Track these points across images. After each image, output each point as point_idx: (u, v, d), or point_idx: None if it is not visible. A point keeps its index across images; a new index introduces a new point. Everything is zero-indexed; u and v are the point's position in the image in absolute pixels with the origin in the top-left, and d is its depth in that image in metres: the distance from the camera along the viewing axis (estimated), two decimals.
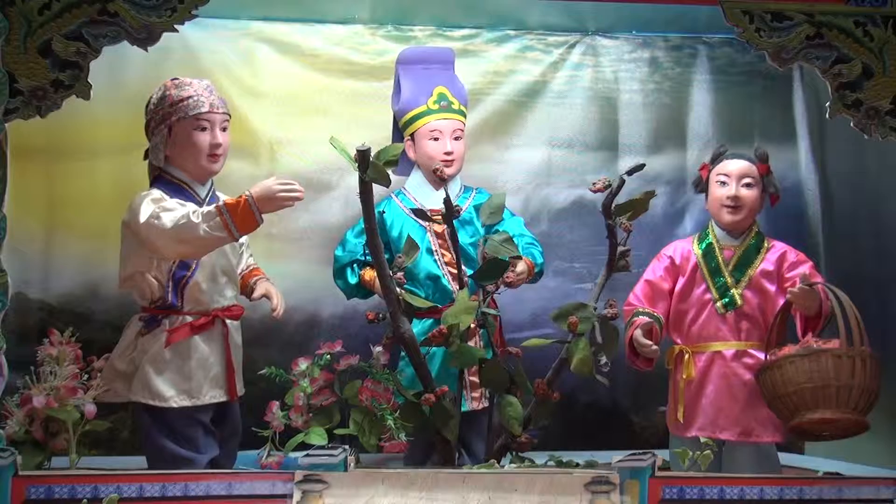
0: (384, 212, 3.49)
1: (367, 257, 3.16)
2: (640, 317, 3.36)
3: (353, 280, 3.47)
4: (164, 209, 2.90)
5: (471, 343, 3.27)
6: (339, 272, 3.51)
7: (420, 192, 3.54)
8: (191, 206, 2.93)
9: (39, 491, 2.63)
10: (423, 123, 3.50)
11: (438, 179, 3.17)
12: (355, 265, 3.47)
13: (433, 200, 3.43)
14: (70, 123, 3.62)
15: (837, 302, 2.95)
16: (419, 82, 3.55)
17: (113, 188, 3.71)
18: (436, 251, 3.49)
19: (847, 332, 2.91)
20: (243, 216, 2.85)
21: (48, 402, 2.84)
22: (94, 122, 3.73)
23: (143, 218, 2.91)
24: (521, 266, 3.36)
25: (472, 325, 3.17)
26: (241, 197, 2.87)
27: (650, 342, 3.28)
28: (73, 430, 2.86)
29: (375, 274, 3.14)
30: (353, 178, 3.03)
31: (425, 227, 3.49)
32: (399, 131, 3.60)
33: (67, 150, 3.78)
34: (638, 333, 3.30)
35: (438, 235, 3.48)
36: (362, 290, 3.48)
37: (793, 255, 3.44)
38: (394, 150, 3.01)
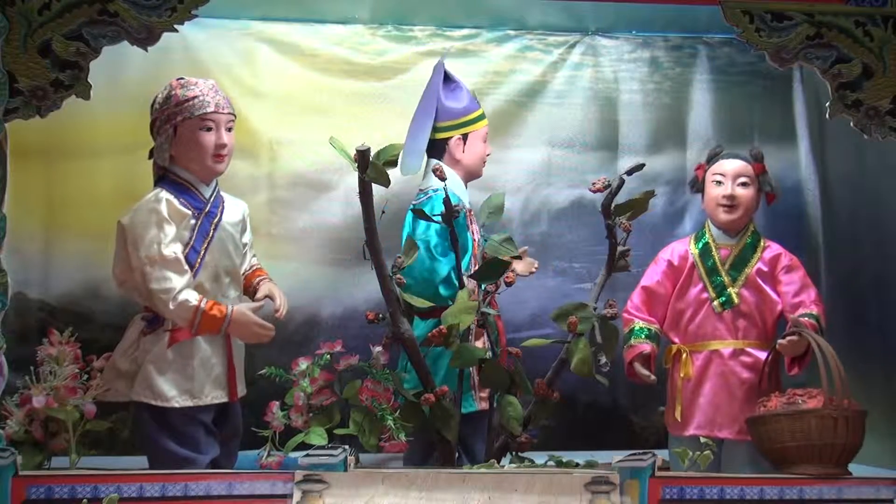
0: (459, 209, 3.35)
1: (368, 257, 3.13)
2: (640, 343, 3.38)
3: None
4: (163, 261, 2.96)
5: (478, 343, 3.27)
6: (447, 281, 3.31)
7: (458, 190, 3.48)
8: (180, 282, 2.97)
9: (39, 491, 2.63)
10: (483, 125, 3.52)
11: (440, 179, 3.17)
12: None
13: (465, 199, 3.44)
14: (70, 123, 3.61)
15: (821, 355, 2.96)
16: (466, 89, 3.57)
17: (113, 188, 3.71)
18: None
19: (829, 384, 2.93)
20: (210, 324, 2.98)
21: (48, 402, 2.84)
22: (93, 123, 3.72)
23: (141, 252, 2.97)
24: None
25: (477, 327, 3.17)
26: (223, 311, 2.98)
27: (648, 372, 3.36)
28: (73, 430, 2.86)
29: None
30: (352, 179, 3.03)
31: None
32: (430, 129, 3.45)
33: (67, 151, 3.77)
34: (638, 366, 3.36)
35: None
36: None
37: (786, 258, 3.45)
38: (393, 150, 3.01)
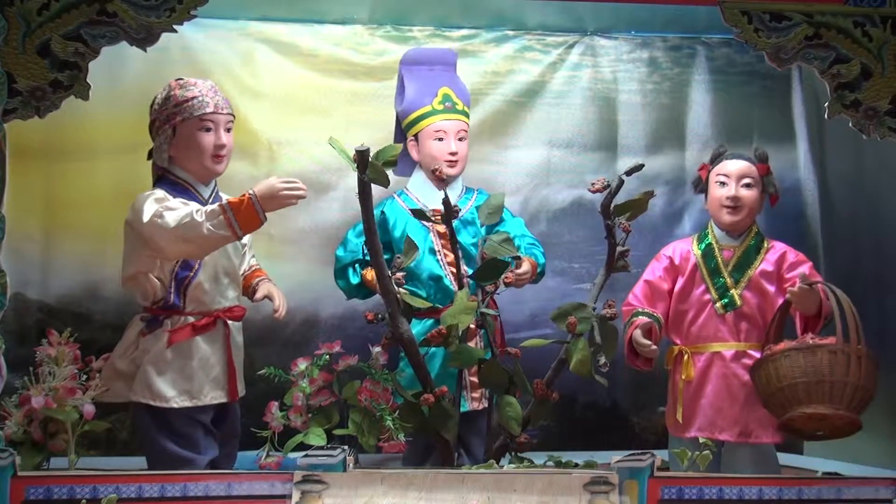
0: (384, 212, 3.49)
1: (368, 257, 3.16)
2: (640, 317, 3.36)
3: (354, 280, 3.47)
4: (167, 209, 2.90)
5: (471, 343, 3.28)
6: (340, 272, 3.50)
7: (422, 192, 3.54)
8: (194, 206, 2.93)
9: (38, 491, 2.63)
10: (428, 124, 3.51)
11: (439, 179, 3.17)
12: (357, 265, 3.47)
13: (435, 200, 3.41)
14: (69, 124, 3.62)
15: (836, 300, 2.94)
16: (423, 83, 3.55)
17: (112, 188, 3.71)
18: (438, 251, 3.49)
19: (844, 330, 2.90)
20: (247, 214, 2.86)
21: (47, 403, 2.83)
22: (93, 123, 3.73)
23: (146, 217, 2.91)
24: (525, 266, 3.37)
25: (472, 326, 3.17)
26: (244, 195, 2.88)
27: (649, 342, 3.29)
28: (72, 431, 2.85)
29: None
30: (352, 179, 3.03)
31: (428, 227, 3.49)
32: (402, 132, 3.60)
33: (66, 151, 3.77)
34: (637, 333, 3.30)
35: (441, 235, 3.48)
36: (363, 290, 3.48)
37: (792, 255, 3.44)
38: (392, 151, 3.01)
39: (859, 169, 3.85)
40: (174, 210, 2.90)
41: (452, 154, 3.49)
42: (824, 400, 2.83)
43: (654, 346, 3.29)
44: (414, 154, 3.53)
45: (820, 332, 3.14)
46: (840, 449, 3.42)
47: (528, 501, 2.70)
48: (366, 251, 3.12)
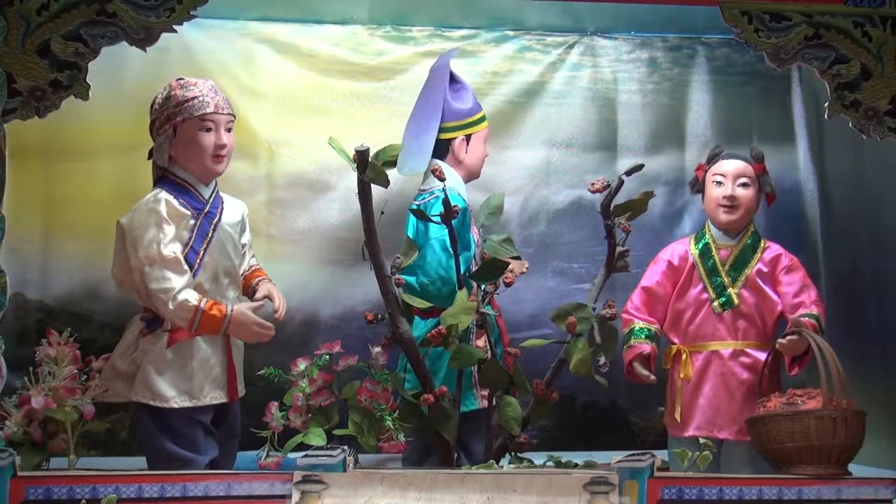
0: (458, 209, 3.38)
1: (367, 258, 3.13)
2: (640, 343, 3.37)
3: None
4: (162, 260, 2.95)
5: (479, 343, 3.27)
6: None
7: (460, 190, 3.48)
8: (179, 281, 2.96)
9: (38, 492, 2.62)
10: (485, 126, 3.55)
11: (440, 179, 3.17)
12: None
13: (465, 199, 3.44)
14: (68, 124, 3.62)
15: (821, 355, 2.96)
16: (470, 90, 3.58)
17: (112, 188, 3.71)
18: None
19: (829, 386, 2.92)
20: (210, 324, 2.98)
21: (47, 403, 2.83)
22: (92, 123, 3.72)
23: (140, 252, 2.97)
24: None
25: (476, 327, 3.17)
26: (223, 310, 2.98)
27: (648, 373, 3.35)
28: (72, 431, 2.85)
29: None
30: (352, 179, 3.03)
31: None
32: (439, 127, 3.45)
33: (66, 151, 3.77)
34: (637, 366, 3.36)
35: None
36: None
37: (787, 259, 3.45)
38: (392, 151, 3.01)
39: (859, 169, 3.85)
40: (164, 271, 2.95)
41: (486, 156, 3.59)
42: (813, 461, 2.88)
43: (653, 378, 3.36)
44: (460, 153, 3.49)
45: (806, 369, 3.22)
46: None
47: (527, 501, 2.70)
48: (364, 252, 3.08)
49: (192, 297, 2.97)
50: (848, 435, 2.88)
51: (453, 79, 3.54)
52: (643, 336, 3.40)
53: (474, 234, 3.45)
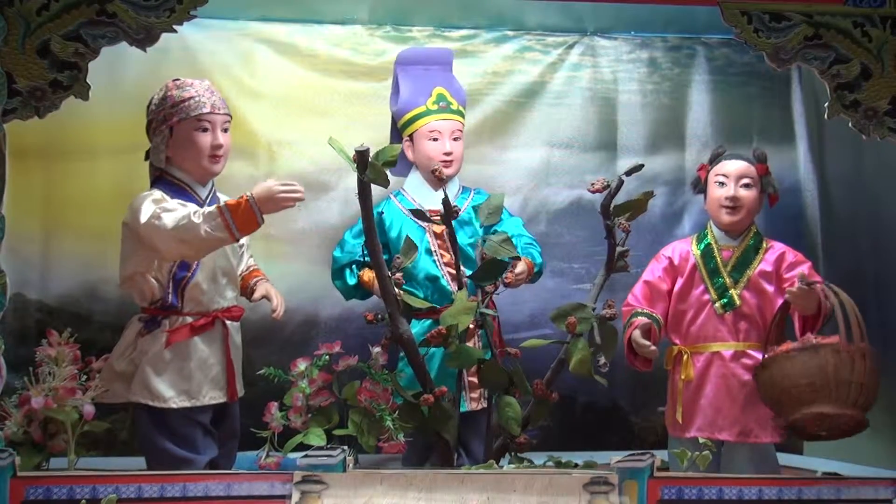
0: (383, 212, 3.49)
1: (366, 258, 3.16)
2: (639, 317, 3.36)
3: (351, 281, 3.47)
4: (165, 210, 2.91)
5: (469, 343, 3.27)
6: (337, 273, 3.51)
7: (419, 192, 3.54)
8: (192, 207, 2.93)
9: (38, 492, 2.62)
10: (423, 124, 3.51)
11: (437, 180, 3.17)
12: (354, 266, 3.47)
13: (432, 201, 3.43)
14: (68, 124, 3.61)
15: (837, 299, 2.94)
16: (418, 83, 3.56)
17: (112, 189, 3.71)
18: (435, 251, 3.50)
19: (847, 329, 2.90)
20: (244, 216, 2.85)
21: (47, 403, 2.83)
22: (92, 123, 3.72)
23: (143, 218, 2.91)
24: (520, 266, 3.38)
25: (472, 326, 3.17)
26: (242, 197, 2.88)
27: (648, 343, 3.28)
28: (72, 431, 2.85)
29: (374, 275, 3.15)
30: (351, 179, 3.03)
31: (424, 228, 3.50)
32: (398, 132, 3.60)
33: (66, 151, 3.77)
34: (636, 334, 3.30)
35: (437, 236, 3.48)
36: (361, 290, 3.48)
37: (791, 255, 3.44)
38: (392, 151, 3.01)
39: (859, 169, 3.85)
40: (172, 211, 2.90)
41: (447, 154, 3.49)
42: (829, 400, 2.82)
43: (654, 347, 3.29)
44: (409, 154, 3.54)
45: (820, 332, 3.14)
46: (840, 449, 3.41)
47: (527, 502, 2.70)
48: (365, 252, 3.12)
49: (207, 208, 2.91)
50: (866, 373, 2.83)
51: (396, 78, 3.58)
52: (643, 315, 3.37)
53: (432, 234, 3.48)
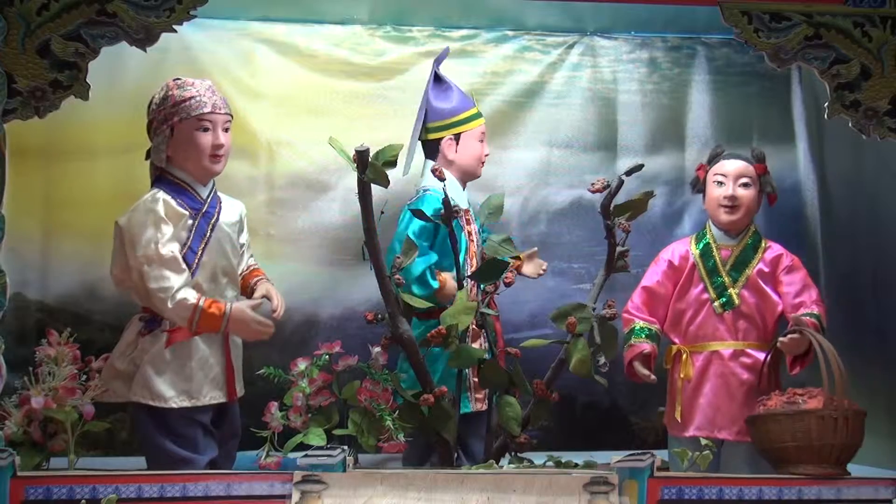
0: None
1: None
2: (640, 343, 3.37)
3: (435, 285, 3.33)
4: (160, 259, 2.95)
5: (475, 344, 3.27)
6: (420, 280, 3.32)
7: (454, 191, 3.47)
8: (178, 280, 2.96)
9: (38, 492, 2.63)
10: (477, 125, 3.54)
11: (440, 179, 3.17)
12: (431, 269, 3.35)
13: (461, 199, 3.44)
14: (68, 124, 3.61)
15: (822, 354, 2.96)
16: (459, 84, 3.58)
17: (111, 189, 3.70)
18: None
19: (831, 385, 2.92)
20: (209, 323, 2.98)
21: (46, 403, 2.83)
22: (92, 123, 3.72)
23: (139, 251, 2.97)
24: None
25: (475, 327, 3.17)
26: (222, 308, 2.97)
27: (648, 372, 3.34)
28: (72, 431, 2.86)
29: (447, 277, 3.18)
30: (352, 179, 3.04)
31: (462, 226, 3.46)
32: (426, 129, 3.52)
33: (66, 151, 3.76)
34: (638, 365, 3.35)
35: (469, 235, 3.47)
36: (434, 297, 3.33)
37: (788, 259, 3.45)
38: (392, 151, 3.01)
39: (858, 169, 3.85)
40: (163, 270, 2.95)
41: (486, 156, 3.57)
42: (813, 460, 2.88)
43: (654, 377, 3.35)
44: (449, 153, 3.50)
45: (808, 366, 3.21)
46: None
47: (527, 502, 2.70)
48: (364, 251, 3.09)
49: (191, 295, 2.96)
50: (848, 434, 2.88)
51: (439, 79, 3.55)
52: (643, 335, 3.40)
53: (471, 234, 3.45)
